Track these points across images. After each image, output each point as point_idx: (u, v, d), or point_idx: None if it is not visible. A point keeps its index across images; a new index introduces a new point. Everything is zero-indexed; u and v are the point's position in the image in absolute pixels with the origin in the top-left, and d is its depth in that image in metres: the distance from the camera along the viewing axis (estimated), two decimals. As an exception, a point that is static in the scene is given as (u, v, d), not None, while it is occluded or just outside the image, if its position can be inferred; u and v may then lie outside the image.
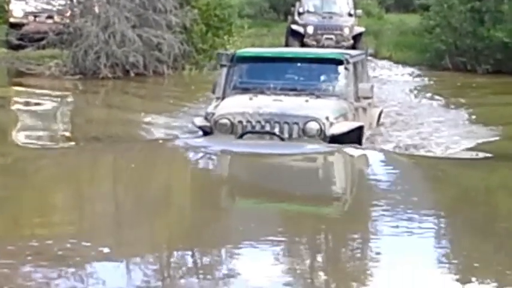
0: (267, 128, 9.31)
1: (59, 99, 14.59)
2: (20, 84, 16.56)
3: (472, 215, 6.32)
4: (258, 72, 10.49)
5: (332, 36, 22.75)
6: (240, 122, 9.41)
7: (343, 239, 5.60)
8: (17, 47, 19.51)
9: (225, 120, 9.45)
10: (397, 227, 5.79)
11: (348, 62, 10.32)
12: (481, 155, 9.55)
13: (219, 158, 8.56)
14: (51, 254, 5.04)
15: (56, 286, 4.56)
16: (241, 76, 10.49)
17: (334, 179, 8.03)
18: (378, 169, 8.41)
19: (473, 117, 12.96)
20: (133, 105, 14.13)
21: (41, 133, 10.61)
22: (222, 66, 10.60)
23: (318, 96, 9.97)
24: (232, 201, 6.92)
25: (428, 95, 16.07)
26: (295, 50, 15.31)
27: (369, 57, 22.89)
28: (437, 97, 15.60)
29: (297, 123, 9.30)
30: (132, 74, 17.48)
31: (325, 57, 10.86)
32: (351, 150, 8.77)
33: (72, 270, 4.77)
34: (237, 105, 9.71)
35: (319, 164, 8.60)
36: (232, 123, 9.41)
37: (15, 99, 14.62)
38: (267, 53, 11.36)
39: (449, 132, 11.61)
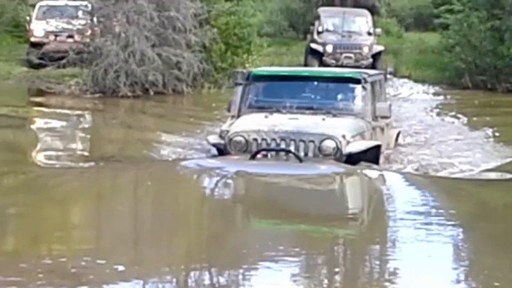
0: (282, 146, 9.16)
1: (78, 118, 14.67)
2: (40, 103, 16.66)
3: (494, 238, 6.21)
4: (274, 91, 10.40)
5: (351, 55, 22.71)
6: (255, 139, 9.27)
7: (360, 259, 5.55)
8: (37, 66, 19.71)
9: (239, 138, 9.32)
10: (415, 247, 5.73)
11: (365, 81, 10.21)
12: (504, 175, 9.35)
13: (233, 178, 8.44)
14: (63, 272, 5.00)
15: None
16: (257, 95, 10.39)
17: (349, 200, 7.91)
18: (396, 191, 8.28)
19: (495, 136, 12.85)
20: (151, 124, 14.16)
21: (60, 153, 10.61)
22: (237, 84, 10.53)
23: (334, 115, 9.84)
24: (248, 222, 6.87)
25: (449, 113, 16.00)
26: (312, 69, 15.28)
27: (388, 76, 22.99)
28: (457, 116, 15.52)
29: (313, 141, 9.17)
30: (151, 93, 17.54)
31: (342, 76, 10.75)
32: (368, 171, 8.70)
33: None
34: (252, 123, 9.60)
35: (335, 185, 8.47)
36: (247, 141, 9.28)
37: (36, 118, 14.67)
38: (284, 72, 11.32)
39: (470, 152, 11.42)
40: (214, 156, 9.79)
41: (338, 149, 9.13)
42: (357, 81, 10.22)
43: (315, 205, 7.24)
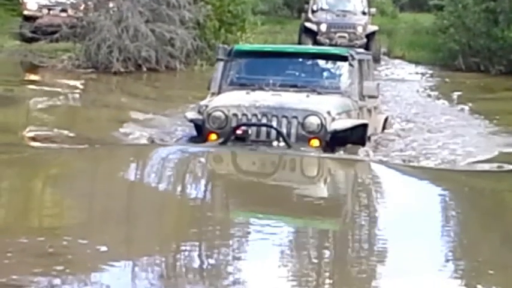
0: (264, 122, 8.74)
1: (69, 94, 14.49)
2: (32, 77, 16.58)
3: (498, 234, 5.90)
4: (257, 68, 9.93)
5: (345, 35, 22.67)
6: (235, 115, 8.81)
7: (352, 253, 5.33)
8: (30, 40, 19.62)
9: (218, 113, 8.85)
10: (410, 242, 5.41)
11: (352, 58, 9.78)
12: (500, 166, 8.80)
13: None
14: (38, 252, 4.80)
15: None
16: (239, 71, 9.94)
17: (327, 192, 7.49)
18: (384, 183, 7.80)
19: (488, 120, 12.58)
20: (138, 102, 13.86)
21: (46, 131, 10.12)
22: (218, 60, 10.06)
23: (319, 93, 9.40)
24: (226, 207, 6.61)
25: (441, 95, 16.01)
26: (297, 46, 14.97)
27: (382, 56, 23.01)
28: (450, 97, 15.50)
29: (296, 117, 8.72)
30: (144, 69, 17.51)
31: (328, 52, 10.41)
32: (350, 161, 8.37)
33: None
34: (233, 99, 9.15)
35: (319, 174, 8.15)
36: (226, 116, 8.82)
37: (26, 92, 14.51)
38: (267, 48, 11.02)
39: (464, 138, 10.97)
40: (182, 139, 9.45)
41: (322, 125, 8.70)
42: (344, 58, 9.80)
43: (294, 195, 6.98)
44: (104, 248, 4.99)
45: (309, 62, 10.01)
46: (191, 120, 9.35)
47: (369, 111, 10.09)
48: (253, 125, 8.72)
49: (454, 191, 7.44)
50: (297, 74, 9.93)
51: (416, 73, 20.76)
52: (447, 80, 19.24)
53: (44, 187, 7.04)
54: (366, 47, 21.32)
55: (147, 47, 17.39)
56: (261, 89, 9.42)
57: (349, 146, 8.90)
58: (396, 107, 13.94)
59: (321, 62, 9.98)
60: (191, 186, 7.20)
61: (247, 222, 5.91)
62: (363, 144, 9.11)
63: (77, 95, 14.62)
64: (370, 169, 8.47)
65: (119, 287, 4.47)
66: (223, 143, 8.63)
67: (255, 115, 8.77)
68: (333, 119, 8.80)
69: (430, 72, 20.84)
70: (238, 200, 6.72)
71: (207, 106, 9.07)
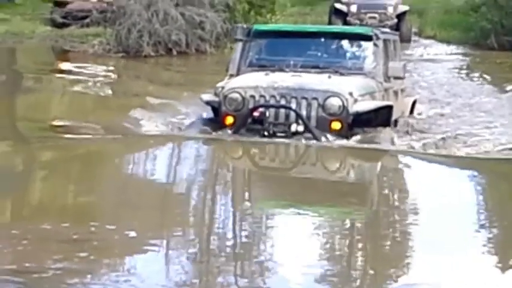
0: (283, 103, 8.41)
1: (100, 79, 14.40)
2: (63, 63, 16.64)
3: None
4: (277, 48, 9.56)
5: (376, 15, 22.48)
6: (252, 96, 8.48)
7: (374, 242, 5.37)
8: (61, 25, 19.75)
9: (235, 95, 8.51)
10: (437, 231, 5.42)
11: (377, 38, 9.34)
12: None
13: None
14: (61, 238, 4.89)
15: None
16: (258, 52, 9.55)
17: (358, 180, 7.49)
18: (411, 173, 7.74)
19: None
20: (167, 86, 13.74)
21: (75, 120, 9.77)
22: (237, 40, 9.67)
23: (342, 74, 8.98)
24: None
25: (474, 75, 15.80)
26: (320, 26, 14.41)
27: (413, 36, 22.81)
28: (483, 78, 15.27)
29: (316, 99, 8.36)
30: (174, 52, 17.53)
31: (352, 32, 10.04)
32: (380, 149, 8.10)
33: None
34: (250, 80, 8.76)
35: (342, 164, 8.04)
36: (243, 98, 8.48)
37: (58, 78, 14.55)
38: (288, 28, 10.71)
39: (497, 122, 10.34)
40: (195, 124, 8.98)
41: (344, 107, 8.33)
42: (368, 37, 9.37)
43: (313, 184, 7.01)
44: (132, 234, 5.04)
45: (332, 42, 9.56)
46: (207, 103, 9.00)
47: (395, 93, 9.70)
48: (271, 106, 8.41)
49: (481, 181, 7.32)
50: (318, 54, 9.52)
51: (448, 53, 20.55)
52: (479, 59, 19.03)
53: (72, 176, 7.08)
54: (397, 27, 21.14)
55: (177, 30, 17.42)
56: (281, 70, 9.04)
57: (371, 129, 8.50)
58: (426, 89, 13.70)
59: (344, 42, 9.57)
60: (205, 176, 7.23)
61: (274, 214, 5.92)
62: (388, 126, 8.76)
63: (108, 81, 14.54)
64: (393, 160, 8.21)
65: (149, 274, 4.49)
66: (236, 131, 8.35)
67: (273, 96, 8.45)
68: (355, 101, 8.45)
69: (462, 51, 20.64)
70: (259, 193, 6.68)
71: (223, 88, 8.75)
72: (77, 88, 12.81)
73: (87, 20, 18.16)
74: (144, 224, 5.35)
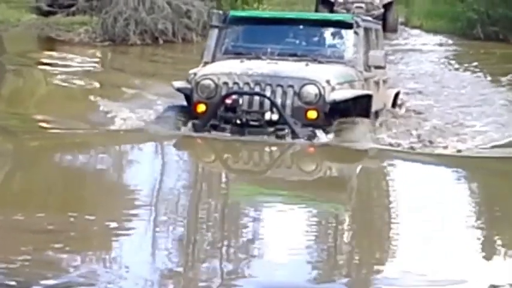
0: (257, 91, 8.07)
1: (84, 69, 14.28)
2: (49, 51, 16.55)
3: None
4: (254, 36, 9.22)
5: (362, 5, 22.51)
6: (226, 83, 8.13)
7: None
8: (47, 13, 19.62)
9: (207, 81, 8.17)
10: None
11: (358, 26, 9.00)
12: None
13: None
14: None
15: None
16: (235, 39, 9.20)
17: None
18: (393, 174, 7.42)
19: (510, 91, 12.10)
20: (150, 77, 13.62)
21: (57, 113, 9.54)
22: (212, 27, 9.33)
23: (320, 63, 8.65)
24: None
25: (459, 65, 15.84)
26: (298, 13, 13.81)
27: (400, 26, 22.85)
28: (469, 68, 15.30)
29: (292, 86, 8.03)
30: (161, 41, 17.49)
31: (331, 19, 9.65)
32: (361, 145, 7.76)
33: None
34: (224, 67, 8.46)
35: (315, 170, 7.63)
36: (216, 85, 8.13)
37: (42, 66, 14.44)
38: (265, 14, 10.44)
39: (483, 115, 10.14)
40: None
41: (321, 95, 7.98)
42: (348, 25, 9.01)
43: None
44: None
45: (311, 30, 9.20)
46: (178, 89, 8.61)
47: (376, 83, 9.34)
48: (244, 93, 8.05)
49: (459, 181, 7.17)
50: (297, 42, 9.16)
51: (435, 43, 20.61)
52: (465, 49, 19.08)
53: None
54: (383, 17, 21.18)
55: (164, 19, 17.38)
56: (257, 58, 8.69)
57: (348, 120, 8.15)
58: (411, 79, 13.67)
59: (324, 30, 9.18)
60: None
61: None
62: (368, 117, 8.46)
63: (90, 71, 14.27)
64: (371, 161, 7.89)
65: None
66: (207, 120, 7.98)
67: (247, 84, 8.10)
68: (333, 89, 8.11)
69: (449, 41, 20.69)
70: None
71: (195, 74, 8.41)
72: (59, 78, 12.62)
73: (73, 8, 18.11)
74: (122, 215, 5.36)
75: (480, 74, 14.54)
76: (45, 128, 8.51)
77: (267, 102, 7.99)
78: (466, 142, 8.52)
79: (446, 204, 6.01)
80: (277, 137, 7.87)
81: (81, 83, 12.15)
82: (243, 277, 4.38)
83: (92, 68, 14.33)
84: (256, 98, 8.04)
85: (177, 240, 4.95)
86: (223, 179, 7.12)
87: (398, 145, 8.14)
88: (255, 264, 4.59)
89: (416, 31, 22.80)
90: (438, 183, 6.83)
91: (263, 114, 7.99)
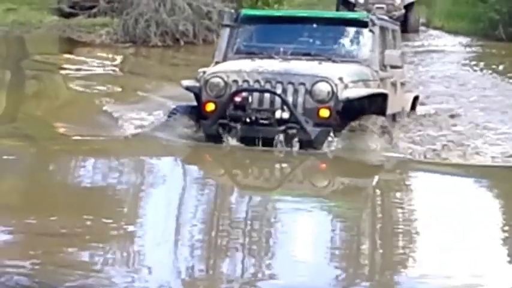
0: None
1: (104, 72, 14.20)
2: (70, 53, 16.61)
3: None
4: (267, 35, 9.01)
5: (383, 6, 22.41)
6: (235, 81, 7.89)
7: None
8: (68, 15, 19.70)
9: (217, 79, 7.93)
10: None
11: (373, 24, 8.71)
12: None
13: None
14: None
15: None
16: (247, 39, 8.98)
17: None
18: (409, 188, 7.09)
19: None
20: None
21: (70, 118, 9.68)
22: (224, 26, 9.07)
23: (335, 62, 8.38)
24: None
25: (481, 67, 15.68)
26: (313, 11, 13.67)
27: (421, 27, 22.75)
28: (492, 69, 15.14)
29: (303, 84, 7.77)
30: (181, 43, 17.52)
31: (346, 18, 9.46)
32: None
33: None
34: (234, 65, 8.25)
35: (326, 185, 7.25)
36: (225, 83, 7.89)
37: (64, 68, 14.48)
38: (278, 13, 10.23)
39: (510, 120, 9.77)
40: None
41: (333, 93, 7.69)
42: (364, 23, 8.72)
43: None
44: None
45: (325, 28, 8.92)
46: (187, 88, 8.38)
47: (394, 85, 9.07)
48: (254, 90, 7.80)
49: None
50: (310, 41, 8.89)
51: (456, 44, 20.48)
52: (487, 50, 18.95)
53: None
54: (405, 18, 21.10)
55: (185, 20, 17.41)
56: (270, 57, 8.44)
57: (360, 121, 7.82)
58: (432, 81, 13.48)
59: (338, 28, 8.92)
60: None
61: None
62: (383, 116, 8.20)
63: (112, 74, 14.31)
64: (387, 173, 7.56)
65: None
66: (215, 120, 7.74)
67: (258, 81, 7.86)
68: (346, 87, 7.82)
69: (470, 42, 20.56)
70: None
71: (204, 72, 8.17)
72: (79, 83, 12.57)
73: (95, 10, 18.20)
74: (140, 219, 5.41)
75: (503, 75, 14.41)
76: (65, 135, 8.52)
77: (277, 100, 7.75)
78: (492, 149, 8.14)
79: (468, 215, 5.89)
80: (287, 136, 7.64)
81: (102, 87, 12.11)
82: (265, 279, 4.37)
83: (112, 72, 14.31)
84: (267, 95, 7.81)
85: (196, 243, 4.94)
86: (238, 188, 6.90)
87: (416, 152, 7.84)
88: (277, 266, 4.58)
89: (437, 32, 22.67)
90: (458, 194, 6.63)
91: (273, 112, 7.75)
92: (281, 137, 7.65)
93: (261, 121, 7.71)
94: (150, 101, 10.66)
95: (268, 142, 7.69)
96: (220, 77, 7.95)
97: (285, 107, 7.72)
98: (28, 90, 12.50)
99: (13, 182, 6.55)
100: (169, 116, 8.39)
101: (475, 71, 15.40)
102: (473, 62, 16.53)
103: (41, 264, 4.37)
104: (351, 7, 22.65)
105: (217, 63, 8.61)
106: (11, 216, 5.30)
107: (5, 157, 7.21)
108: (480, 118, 10.03)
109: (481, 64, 16.08)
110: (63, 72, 13.84)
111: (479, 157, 7.83)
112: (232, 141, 7.72)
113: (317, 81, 7.78)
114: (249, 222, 5.53)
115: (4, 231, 4.95)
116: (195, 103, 8.36)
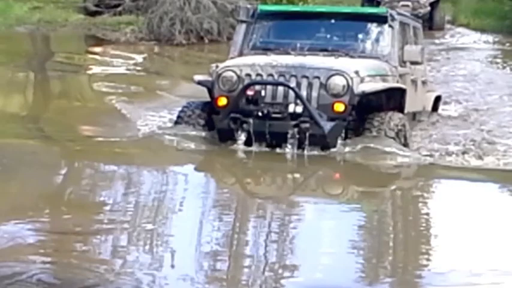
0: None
1: (130, 72, 14.12)
2: (96, 51, 16.69)
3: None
4: (283, 31, 8.83)
5: (409, 3, 22.30)
6: (248, 75, 7.67)
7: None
8: (93, 13, 19.82)
9: (229, 73, 7.71)
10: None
11: (392, 19, 8.48)
12: None
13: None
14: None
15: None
16: (263, 35, 8.77)
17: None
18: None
19: None
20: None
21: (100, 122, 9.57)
22: (240, 22, 8.88)
23: (352, 57, 8.17)
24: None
25: (508, 65, 15.57)
26: (330, 6, 13.32)
27: (446, 24, 22.63)
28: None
29: (318, 78, 7.53)
30: (206, 41, 17.55)
31: (365, 13, 9.27)
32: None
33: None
34: (248, 59, 8.07)
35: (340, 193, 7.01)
36: (238, 77, 7.67)
37: (90, 66, 14.56)
38: (295, 8, 10.10)
39: None
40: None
41: (348, 86, 7.44)
42: (383, 18, 8.49)
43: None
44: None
45: (342, 24, 8.71)
46: (199, 83, 8.18)
47: (414, 82, 8.86)
48: (267, 83, 7.59)
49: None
50: (328, 36, 8.64)
51: (482, 41, 20.35)
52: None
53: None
54: (430, 15, 20.99)
55: (209, 18, 17.44)
56: (286, 53, 8.22)
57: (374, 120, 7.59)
58: (458, 79, 13.34)
59: (356, 23, 8.69)
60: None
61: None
62: (402, 112, 7.96)
63: (136, 74, 14.25)
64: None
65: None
66: (227, 115, 7.52)
67: (271, 75, 7.63)
68: (362, 80, 7.58)
69: (496, 40, 20.42)
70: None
71: (217, 66, 7.98)
72: (102, 84, 12.55)
73: (120, 8, 18.29)
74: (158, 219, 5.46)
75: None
76: (88, 136, 8.56)
77: (291, 94, 7.51)
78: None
79: (492, 222, 5.76)
80: (300, 130, 7.40)
81: (125, 89, 12.10)
82: (286, 278, 4.37)
83: (136, 72, 14.33)
84: (280, 89, 7.57)
85: (213, 243, 4.94)
86: (252, 194, 6.78)
87: (439, 153, 7.64)
88: (297, 266, 4.59)
89: (463, 29, 22.54)
90: (481, 199, 6.45)
91: (287, 106, 7.52)
92: (294, 131, 7.43)
93: (274, 115, 7.49)
94: (172, 101, 10.64)
95: (280, 137, 7.50)
96: (233, 71, 7.75)
97: (298, 101, 7.50)
98: (52, 90, 12.57)
99: (32, 182, 6.56)
100: (180, 112, 8.20)
101: (502, 68, 15.26)
102: (499, 60, 16.42)
103: (63, 262, 4.42)
104: (375, 5, 22.58)
105: (232, 59, 8.41)
106: (31, 215, 5.35)
107: (27, 158, 7.24)
108: (508, 117, 9.82)
109: (508, 62, 15.95)
110: (87, 72, 13.90)
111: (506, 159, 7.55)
112: (243, 136, 7.53)
113: (332, 75, 7.55)
114: (267, 224, 5.52)
115: (24, 229, 5.00)
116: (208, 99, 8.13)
